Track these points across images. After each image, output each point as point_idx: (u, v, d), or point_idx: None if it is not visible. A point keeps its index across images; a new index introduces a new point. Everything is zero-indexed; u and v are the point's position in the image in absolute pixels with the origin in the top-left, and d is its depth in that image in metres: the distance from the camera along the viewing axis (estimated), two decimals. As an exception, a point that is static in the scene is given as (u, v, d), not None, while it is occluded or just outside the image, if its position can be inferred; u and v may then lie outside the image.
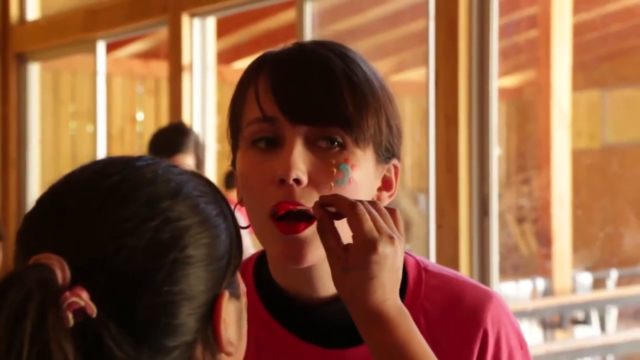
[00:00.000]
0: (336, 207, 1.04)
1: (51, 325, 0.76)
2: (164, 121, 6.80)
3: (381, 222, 1.02)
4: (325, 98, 1.08)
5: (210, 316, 0.84)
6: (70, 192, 0.85)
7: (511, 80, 7.02)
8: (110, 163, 0.87)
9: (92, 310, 0.78)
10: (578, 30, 5.72)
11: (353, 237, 1.02)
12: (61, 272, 0.78)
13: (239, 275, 0.91)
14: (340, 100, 1.08)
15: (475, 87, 3.08)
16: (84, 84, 6.37)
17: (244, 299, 0.91)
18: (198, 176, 0.90)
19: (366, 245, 1.00)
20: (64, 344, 0.76)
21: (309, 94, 1.08)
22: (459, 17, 3.08)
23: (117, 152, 6.09)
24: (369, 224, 1.01)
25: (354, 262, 1.01)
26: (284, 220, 1.07)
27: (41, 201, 0.86)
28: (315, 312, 1.14)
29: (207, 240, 0.84)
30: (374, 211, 1.03)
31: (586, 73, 6.91)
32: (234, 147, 1.15)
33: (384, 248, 1.00)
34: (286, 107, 1.08)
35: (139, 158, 0.88)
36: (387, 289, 1.01)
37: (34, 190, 5.30)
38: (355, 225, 1.01)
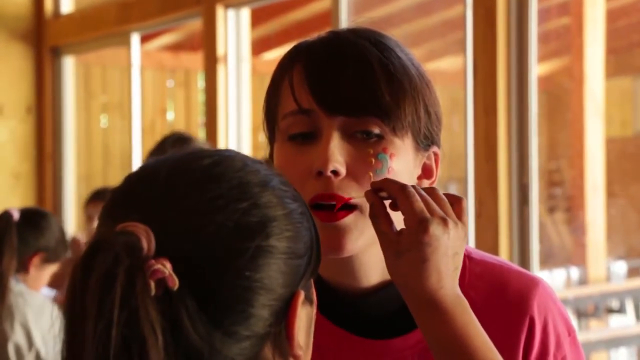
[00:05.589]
0: (386, 190, 1.03)
1: (140, 291, 0.76)
2: (195, 113, 6.82)
3: (433, 205, 1.01)
4: (360, 88, 1.07)
5: (285, 313, 0.83)
6: (161, 167, 0.85)
7: (543, 68, 6.97)
8: (201, 149, 0.88)
9: (175, 282, 0.77)
10: (610, 16, 5.67)
11: (404, 219, 1.01)
12: (147, 240, 0.78)
13: (313, 285, 0.90)
14: (376, 90, 1.07)
15: (514, 75, 3.06)
16: (114, 77, 6.40)
17: (314, 309, 0.90)
18: (284, 177, 0.90)
19: (417, 226, 0.99)
20: (151, 312, 0.75)
21: (344, 84, 1.07)
22: (497, 4, 3.05)
23: (149, 145, 6.11)
24: (419, 204, 1.00)
25: (405, 244, 1.00)
26: (323, 209, 1.06)
27: (129, 177, 0.86)
28: (358, 302, 1.14)
29: (290, 234, 0.84)
30: (425, 194, 1.02)
31: (618, 60, 6.85)
32: (271, 140, 1.14)
33: (435, 229, 0.99)
34: (322, 98, 1.07)
35: (228, 150, 0.88)
36: (442, 275, 1.00)
37: (70, 184, 5.33)
38: (406, 206, 1.01)
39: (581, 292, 5.51)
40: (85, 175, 5.85)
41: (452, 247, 1.01)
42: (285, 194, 0.86)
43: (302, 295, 0.85)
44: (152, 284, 0.76)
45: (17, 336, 2.70)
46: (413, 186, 1.03)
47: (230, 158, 0.86)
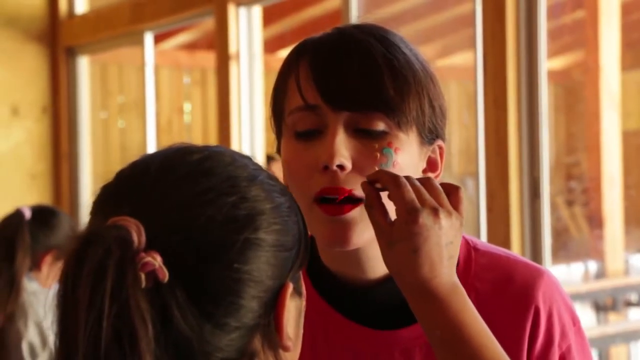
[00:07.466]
0: (380, 181, 1.04)
1: (130, 284, 0.77)
2: (211, 111, 6.84)
3: (426, 195, 1.02)
4: (365, 84, 1.08)
5: (274, 305, 0.85)
6: (151, 163, 0.86)
7: (558, 62, 6.95)
8: (191, 145, 0.89)
9: (164, 274, 0.79)
10: (625, 9, 5.64)
11: (396, 209, 1.02)
12: (137, 234, 0.79)
13: (302, 278, 0.91)
14: (381, 85, 1.08)
15: (523, 70, 3.06)
16: (131, 77, 6.43)
17: (304, 302, 0.92)
18: (270, 173, 0.91)
19: (407, 216, 1.00)
20: (141, 303, 0.77)
21: (349, 80, 1.08)
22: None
23: (165, 143, 6.09)
24: (410, 195, 1.01)
25: (397, 234, 1.01)
26: (328, 202, 1.07)
27: (120, 172, 0.88)
28: (365, 294, 1.15)
29: (278, 227, 0.86)
30: (418, 184, 1.03)
31: (634, 53, 6.81)
32: (278, 135, 1.16)
33: (425, 219, 1.00)
34: (327, 94, 1.08)
35: (217, 145, 0.90)
36: (435, 264, 1.00)
37: (87, 183, 5.35)
38: (397, 196, 1.02)
39: (599, 286, 5.49)
40: (102, 174, 5.88)
41: (445, 236, 1.01)
42: (273, 188, 0.88)
43: (290, 288, 0.86)
44: (143, 277, 0.78)
45: (31, 335, 2.71)
46: (407, 177, 1.03)
47: (219, 153, 0.87)
